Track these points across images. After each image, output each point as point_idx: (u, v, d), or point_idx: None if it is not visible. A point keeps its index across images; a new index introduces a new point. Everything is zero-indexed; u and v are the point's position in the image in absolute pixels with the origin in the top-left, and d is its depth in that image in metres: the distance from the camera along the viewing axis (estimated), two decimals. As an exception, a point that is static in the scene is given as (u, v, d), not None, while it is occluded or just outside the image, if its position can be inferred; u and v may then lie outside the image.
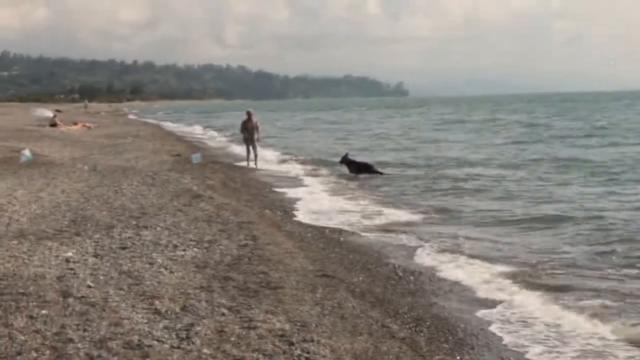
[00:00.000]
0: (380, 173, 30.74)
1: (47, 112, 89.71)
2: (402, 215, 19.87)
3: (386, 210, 20.70)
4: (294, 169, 33.44)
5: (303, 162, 35.92)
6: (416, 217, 19.57)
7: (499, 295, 12.07)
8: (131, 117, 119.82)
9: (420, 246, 15.90)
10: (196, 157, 32.07)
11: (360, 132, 66.30)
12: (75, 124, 63.96)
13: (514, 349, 9.62)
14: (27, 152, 28.17)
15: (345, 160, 32.16)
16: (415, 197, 23.68)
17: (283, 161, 36.86)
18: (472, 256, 14.74)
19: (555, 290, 12.21)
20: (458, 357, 9.14)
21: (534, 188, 25.06)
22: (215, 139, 57.72)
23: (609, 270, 13.50)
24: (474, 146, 45.31)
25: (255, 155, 34.02)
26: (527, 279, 12.97)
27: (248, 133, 33.95)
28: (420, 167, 33.35)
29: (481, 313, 11.23)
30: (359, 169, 31.31)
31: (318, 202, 22.73)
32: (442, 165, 34.02)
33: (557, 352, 9.47)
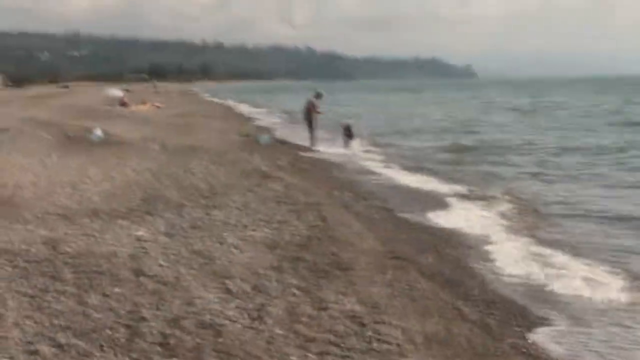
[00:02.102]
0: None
1: (117, 92, 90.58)
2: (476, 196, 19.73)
3: (459, 188, 20.70)
4: (358, 149, 33.53)
5: (367, 143, 36.03)
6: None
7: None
8: (200, 96, 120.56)
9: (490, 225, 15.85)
10: (265, 138, 32.21)
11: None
12: (144, 103, 64.50)
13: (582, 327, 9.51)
14: (98, 131, 28.48)
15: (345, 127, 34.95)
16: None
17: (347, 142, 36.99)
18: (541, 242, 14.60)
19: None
20: (530, 340, 9.03)
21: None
22: (283, 120, 57.71)
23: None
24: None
25: (314, 136, 34.00)
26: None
27: (307, 114, 34.08)
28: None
29: (554, 292, 11.12)
30: (347, 134, 34.37)
31: (386, 180, 22.78)
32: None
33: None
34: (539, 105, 78.69)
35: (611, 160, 28.11)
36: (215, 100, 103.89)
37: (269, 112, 71.17)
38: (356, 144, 33.57)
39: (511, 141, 36.15)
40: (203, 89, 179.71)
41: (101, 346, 7.41)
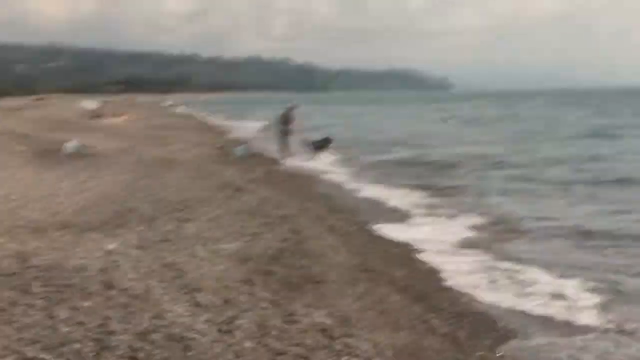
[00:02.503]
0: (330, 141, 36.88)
1: (92, 104, 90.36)
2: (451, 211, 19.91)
3: (428, 201, 20.94)
4: (331, 161, 33.96)
5: (338, 154, 36.45)
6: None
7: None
8: (175, 110, 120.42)
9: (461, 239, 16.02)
10: (239, 150, 32.26)
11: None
12: (120, 115, 64.36)
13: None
14: (73, 144, 28.41)
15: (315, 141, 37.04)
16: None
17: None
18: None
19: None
20: (499, 354, 9.09)
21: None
22: (258, 133, 57.79)
23: None
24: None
25: (287, 149, 34.39)
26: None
27: (284, 126, 34.55)
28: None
29: (523, 307, 11.23)
30: (317, 147, 36.23)
31: (359, 193, 23.04)
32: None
33: None
34: (504, 117, 79.53)
35: (568, 171, 28.59)
36: (191, 112, 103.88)
37: (244, 124, 71.19)
38: (325, 157, 34.23)
39: (471, 154, 36.40)
40: (179, 101, 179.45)
41: (69, 360, 7.41)
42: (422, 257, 14.35)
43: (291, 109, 34.97)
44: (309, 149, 35.69)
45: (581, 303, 11.50)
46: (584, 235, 16.79)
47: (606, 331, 10.22)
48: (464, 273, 13.14)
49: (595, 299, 11.67)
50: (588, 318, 10.82)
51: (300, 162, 32.96)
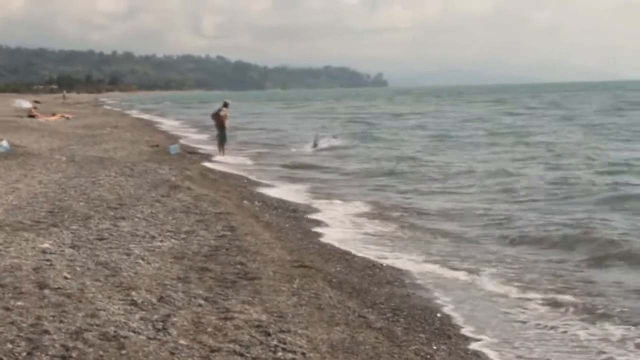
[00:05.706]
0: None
1: (25, 103, 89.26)
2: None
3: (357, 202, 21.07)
4: (266, 159, 34.15)
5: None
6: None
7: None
8: (109, 107, 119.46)
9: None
10: (174, 148, 32.12)
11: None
12: (53, 114, 63.67)
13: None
14: (4, 143, 28.03)
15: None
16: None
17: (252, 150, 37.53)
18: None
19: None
20: (434, 347, 9.15)
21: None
22: (191, 131, 57.60)
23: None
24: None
25: (223, 144, 34.56)
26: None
27: (219, 122, 34.70)
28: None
29: (455, 303, 11.34)
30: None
31: (293, 191, 23.12)
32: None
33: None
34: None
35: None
36: (125, 111, 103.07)
37: (178, 122, 70.92)
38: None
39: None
40: (112, 100, 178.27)
41: (1, 360, 7.32)
42: (357, 252, 14.42)
43: (224, 106, 35.10)
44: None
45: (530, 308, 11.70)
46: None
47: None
48: (402, 269, 13.26)
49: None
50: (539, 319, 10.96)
51: (236, 157, 33.48)
